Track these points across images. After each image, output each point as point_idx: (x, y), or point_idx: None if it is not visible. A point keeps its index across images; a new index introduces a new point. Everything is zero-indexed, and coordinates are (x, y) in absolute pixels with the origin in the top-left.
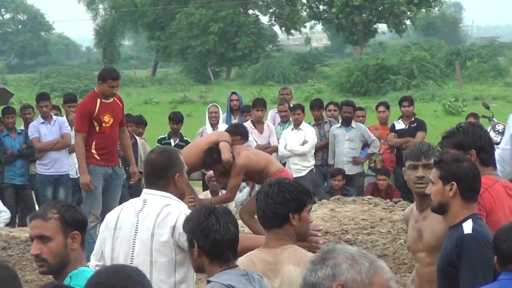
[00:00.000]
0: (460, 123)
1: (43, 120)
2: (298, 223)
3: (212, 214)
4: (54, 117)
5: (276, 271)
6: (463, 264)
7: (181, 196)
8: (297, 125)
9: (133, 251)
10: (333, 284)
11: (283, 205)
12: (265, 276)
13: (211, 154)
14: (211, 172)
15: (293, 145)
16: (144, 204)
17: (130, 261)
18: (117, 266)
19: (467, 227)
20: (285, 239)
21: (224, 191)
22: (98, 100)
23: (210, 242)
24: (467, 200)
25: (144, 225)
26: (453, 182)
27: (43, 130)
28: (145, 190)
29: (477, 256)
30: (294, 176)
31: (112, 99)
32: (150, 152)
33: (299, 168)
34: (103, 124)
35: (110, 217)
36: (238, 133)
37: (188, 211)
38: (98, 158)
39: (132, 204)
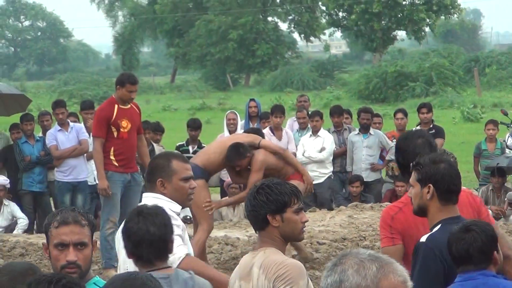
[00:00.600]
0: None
1: (60, 128)
2: (281, 224)
3: (139, 215)
4: (71, 124)
5: (250, 274)
6: (412, 272)
7: (176, 200)
8: (315, 132)
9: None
10: None
11: (260, 207)
12: (242, 279)
13: (238, 148)
14: (229, 179)
15: (311, 152)
16: None
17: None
18: (131, 274)
19: (427, 235)
20: (267, 241)
21: None
22: (116, 106)
23: (131, 243)
24: (444, 202)
25: None
26: (430, 185)
27: (61, 138)
28: (144, 194)
29: (423, 266)
30: (313, 182)
31: (129, 106)
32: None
33: (317, 175)
34: (121, 130)
35: (122, 225)
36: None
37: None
38: (116, 164)
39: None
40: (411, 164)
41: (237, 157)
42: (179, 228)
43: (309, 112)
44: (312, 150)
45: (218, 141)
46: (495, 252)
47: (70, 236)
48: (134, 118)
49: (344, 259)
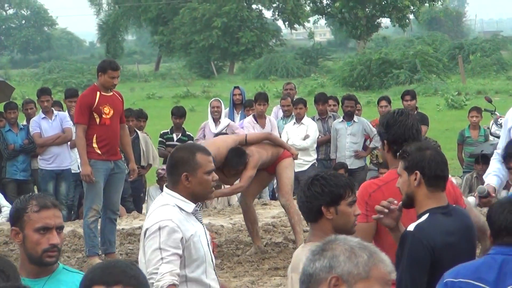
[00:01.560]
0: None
1: (44, 115)
2: (335, 217)
3: None
4: (55, 112)
5: (299, 266)
6: (398, 261)
7: (195, 197)
8: (299, 120)
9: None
10: (328, 276)
11: (314, 199)
12: (293, 271)
13: (241, 155)
14: None
15: (295, 140)
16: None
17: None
18: (111, 261)
19: (414, 224)
20: (318, 234)
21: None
22: (98, 93)
23: None
24: (432, 189)
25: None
26: (417, 172)
27: (44, 125)
28: (165, 185)
29: (410, 255)
30: (296, 170)
31: (112, 93)
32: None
33: (301, 162)
34: (103, 116)
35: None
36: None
37: (165, 218)
38: (99, 152)
39: (157, 199)
40: (399, 141)
41: (239, 163)
42: (188, 232)
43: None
44: (296, 137)
45: (210, 142)
46: None
47: (54, 219)
48: (116, 104)
49: (333, 244)
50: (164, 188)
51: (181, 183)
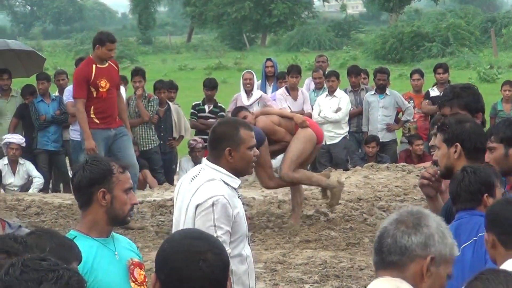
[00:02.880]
0: (453, 86)
1: None
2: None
3: None
4: None
5: None
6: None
7: (237, 172)
8: (331, 92)
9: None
10: (424, 254)
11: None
12: None
13: None
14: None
15: (327, 112)
16: (199, 173)
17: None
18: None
19: None
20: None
21: None
22: (94, 66)
23: None
24: (472, 161)
25: (187, 196)
26: (457, 144)
27: None
28: (204, 160)
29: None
30: (328, 143)
31: (107, 64)
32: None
33: (333, 135)
34: (100, 89)
35: (180, 180)
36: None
37: (217, 194)
38: (98, 122)
39: (193, 170)
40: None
41: None
42: (236, 209)
43: (326, 72)
44: (327, 110)
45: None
46: (485, 195)
47: (131, 180)
48: (112, 76)
49: (427, 220)
50: (205, 161)
51: (224, 157)
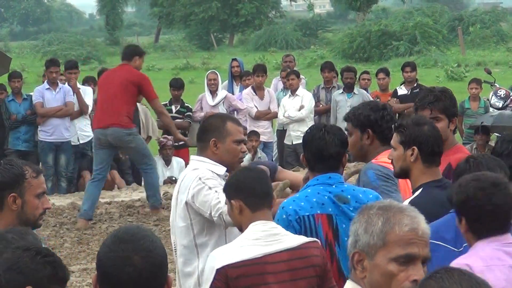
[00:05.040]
0: (431, 89)
1: (48, 86)
2: None
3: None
4: (60, 84)
5: None
6: None
7: (224, 165)
8: (293, 91)
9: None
10: (354, 252)
11: None
12: None
13: None
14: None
15: (291, 112)
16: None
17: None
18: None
19: (408, 200)
20: None
21: None
22: None
23: None
24: (428, 165)
25: (175, 190)
26: (414, 147)
27: (47, 96)
28: (192, 155)
29: None
30: (295, 142)
31: None
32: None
33: (299, 134)
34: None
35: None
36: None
37: (202, 172)
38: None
39: (187, 167)
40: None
41: None
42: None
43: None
44: (291, 109)
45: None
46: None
47: (45, 185)
48: None
49: (358, 216)
50: (192, 157)
51: (209, 149)
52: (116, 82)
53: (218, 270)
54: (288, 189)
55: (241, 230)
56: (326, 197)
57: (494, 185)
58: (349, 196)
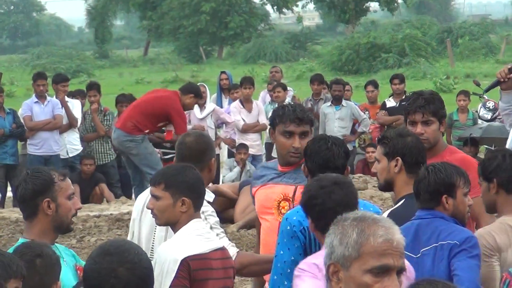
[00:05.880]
0: (421, 93)
1: (36, 99)
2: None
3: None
4: (48, 97)
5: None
6: None
7: (210, 181)
8: (275, 103)
9: (155, 234)
10: (329, 264)
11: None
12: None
13: None
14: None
15: None
16: None
17: (152, 244)
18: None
19: (388, 211)
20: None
21: None
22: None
23: None
24: (412, 175)
25: None
26: (398, 158)
27: (36, 109)
28: None
29: None
30: None
31: None
32: (186, 135)
33: None
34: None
35: (140, 198)
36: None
37: (206, 211)
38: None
39: None
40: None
41: None
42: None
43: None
44: None
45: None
46: (445, 196)
47: (72, 186)
48: None
49: (332, 228)
50: None
51: (207, 168)
52: (152, 97)
53: (182, 262)
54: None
55: (173, 226)
56: None
57: (335, 184)
58: None
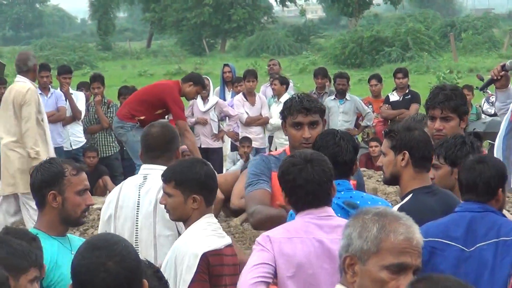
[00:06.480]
0: (442, 88)
1: (40, 91)
2: None
3: None
4: (52, 89)
5: None
6: None
7: None
8: (278, 98)
9: (137, 227)
10: (346, 256)
11: None
12: None
13: None
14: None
15: (273, 119)
16: (145, 180)
17: (135, 237)
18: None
19: (397, 205)
20: None
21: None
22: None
23: None
24: (418, 170)
25: (146, 200)
26: (405, 151)
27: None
28: (144, 166)
29: None
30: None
31: None
32: (151, 126)
33: (282, 142)
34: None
35: (110, 197)
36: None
37: None
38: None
39: (132, 181)
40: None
41: None
42: None
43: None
44: (275, 116)
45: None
46: (501, 189)
47: (87, 181)
48: None
49: (352, 220)
50: (150, 166)
51: (175, 157)
52: (151, 85)
53: (202, 257)
54: None
55: (185, 221)
56: (335, 203)
57: (306, 161)
58: (358, 202)
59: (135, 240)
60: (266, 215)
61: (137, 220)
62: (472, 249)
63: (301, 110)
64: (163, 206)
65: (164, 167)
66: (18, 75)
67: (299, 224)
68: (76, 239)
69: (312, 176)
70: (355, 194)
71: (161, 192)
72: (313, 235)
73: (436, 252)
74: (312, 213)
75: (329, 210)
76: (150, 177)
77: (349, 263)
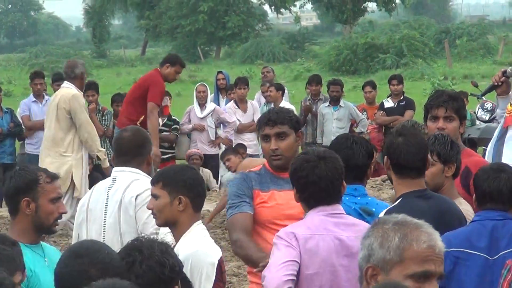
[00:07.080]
0: (444, 91)
1: (34, 99)
2: None
3: None
4: (46, 96)
5: None
6: None
7: (150, 174)
8: (275, 104)
9: (104, 227)
10: (367, 266)
11: None
12: None
13: None
14: (192, 150)
15: None
16: (113, 182)
17: (103, 237)
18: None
19: (385, 209)
20: None
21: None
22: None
23: None
24: (399, 176)
25: (113, 200)
26: (386, 156)
27: (34, 109)
28: (115, 169)
29: None
30: None
31: None
32: (123, 130)
33: None
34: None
35: (82, 201)
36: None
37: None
38: None
39: (102, 183)
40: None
41: None
42: None
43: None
44: None
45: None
46: None
47: (60, 189)
48: None
49: (372, 230)
50: (119, 169)
51: (147, 161)
52: (135, 84)
53: (217, 265)
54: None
55: (172, 226)
56: (352, 208)
57: (319, 158)
58: (373, 209)
59: (103, 240)
60: (245, 255)
61: (104, 221)
62: (496, 257)
63: (268, 122)
64: (128, 203)
65: (133, 169)
66: (65, 81)
67: (317, 221)
68: (49, 246)
69: (325, 173)
70: (371, 200)
71: (128, 190)
72: (332, 232)
73: (460, 262)
74: (325, 210)
75: (340, 208)
76: (119, 179)
77: (372, 273)
